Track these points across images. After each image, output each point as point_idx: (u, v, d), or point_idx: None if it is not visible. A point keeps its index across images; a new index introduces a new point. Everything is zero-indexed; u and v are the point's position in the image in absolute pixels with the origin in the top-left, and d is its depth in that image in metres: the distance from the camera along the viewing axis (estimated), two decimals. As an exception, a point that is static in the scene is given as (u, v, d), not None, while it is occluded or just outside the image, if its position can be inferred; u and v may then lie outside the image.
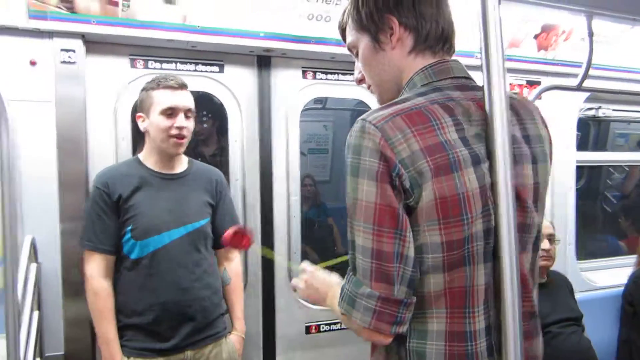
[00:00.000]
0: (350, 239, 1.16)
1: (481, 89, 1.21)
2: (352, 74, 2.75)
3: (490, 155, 1.14)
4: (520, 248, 1.20)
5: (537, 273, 1.29)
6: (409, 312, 1.14)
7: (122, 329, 2.18)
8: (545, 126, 1.33)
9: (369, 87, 1.39)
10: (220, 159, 2.77)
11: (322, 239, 3.25)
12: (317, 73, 2.84)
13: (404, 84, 1.27)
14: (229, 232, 1.86)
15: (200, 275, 2.22)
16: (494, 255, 1.15)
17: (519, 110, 1.26)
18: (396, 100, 1.20)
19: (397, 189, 1.10)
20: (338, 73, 2.87)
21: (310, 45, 2.63)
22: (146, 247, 2.14)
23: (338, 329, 2.95)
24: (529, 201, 1.22)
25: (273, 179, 2.77)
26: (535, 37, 3.10)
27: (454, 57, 1.28)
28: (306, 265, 1.56)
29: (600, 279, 3.55)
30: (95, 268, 2.15)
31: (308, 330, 2.90)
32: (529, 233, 1.24)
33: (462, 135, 1.15)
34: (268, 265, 2.79)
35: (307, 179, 2.92)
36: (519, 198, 1.17)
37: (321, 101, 2.98)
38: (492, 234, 1.14)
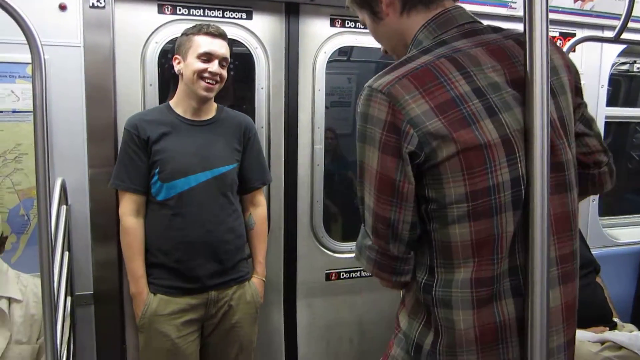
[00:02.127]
0: (360, 195, 1.25)
1: (490, 31, 1.22)
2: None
3: (524, 102, 1.14)
4: (556, 190, 1.21)
5: (577, 212, 1.28)
6: (408, 265, 1.24)
7: (149, 267, 2.29)
8: (561, 54, 1.30)
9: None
10: (246, 107, 2.76)
11: (341, 192, 3.26)
12: (346, 21, 2.77)
13: (409, 44, 1.28)
14: None
15: (225, 219, 2.29)
16: (525, 202, 1.16)
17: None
18: (401, 60, 1.20)
19: (401, 157, 1.13)
20: (367, 21, 2.79)
21: (339, -8, 2.57)
22: (172, 189, 2.21)
23: (357, 277, 3.01)
24: (558, 139, 1.21)
25: (298, 127, 2.77)
26: (573, -14, 2.98)
27: (457, 4, 1.27)
28: None
29: (621, 235, 3.55)
30: (126, 207, 2.24)
31: (328, 277, 2.96)
32: (563, 171, 1.23)
33: (474, 87, 1.14)
34: (291, 213, 2.83)
35: (328, 132, 2.91)
36: None
37: (346, 53, 2.91)
38: (520, 181, 1.15)
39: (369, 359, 3.07)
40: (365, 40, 2.85)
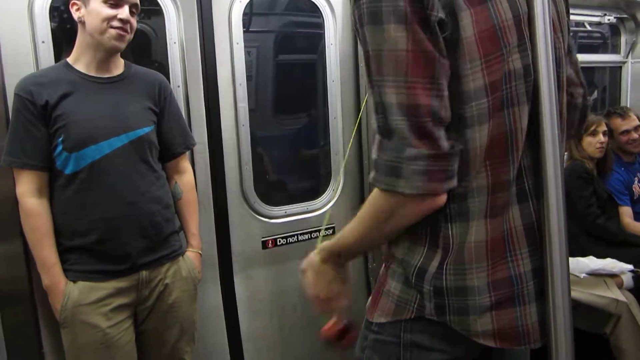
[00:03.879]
0: (377, 100, 1.01)
1: None
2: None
3: None
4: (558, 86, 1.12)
5: (565, 114, 1.24)
6: (456, 162, 1.03)
7: (64, 253, 1.97)
8: None
9: None
10: (158, 65, 2.48)
11: (269, 152, 3.06)
12: (259, -36, 2.57)
13: None
14: (334, 329, 1.65)
15: (148, 188, 2.04)
16: (533, 94, 1.07)
17: None
18: None
19: (430, 28, 0.96)
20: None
21: None
22: (83, 160, 1.91)
23: (294, 242, 2.86)
24: (553, 32, 1.12)
25: (219, 85, 2.54)
26: None
27: None
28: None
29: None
30: (26, 187, 1.91)
31: (264, 245, 2.78)
32: (561, 68, 1.16)
33: None
34: (219, 179, 2.61)
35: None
36: None
37: (244, 24, 2.70)
38: (530, 71, 1.05)
39: (315, 326, 2.92)
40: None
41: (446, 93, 1.00)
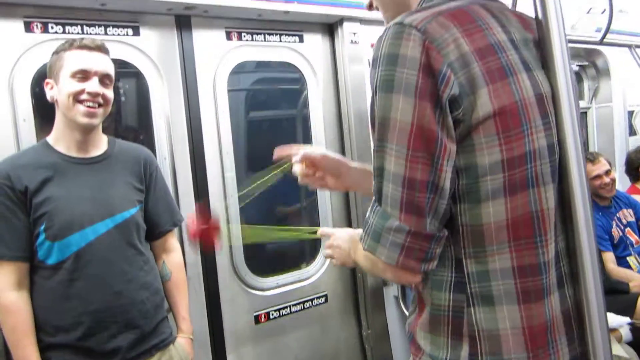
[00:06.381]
0: (378, 164, 1.00)
1: None
2: (278, 33, 2.58)
3: (544, 64, 1.05)
4: None
5: None
6: (439, 246, 1.01)
7: (45, 351, 1.78)
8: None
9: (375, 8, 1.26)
10: (143, 137, 2.38)
11: (259, 221, 2.94)
12: (243, 34, 2.55)
13: None
14: (196, 227, 1.58)
15: (136, 274, 1.89)
16: (560, 174, 1.04)
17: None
18: (426, 5, 1.05)
19: (440, 106, 0.94)
20: (264, 33, 2.60)
21: (234, 1, 2.33)
22: (67, 248, 1.76)
23: (287, 314, 2.73)
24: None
25: (205, 155, 2.46)
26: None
27: None
28: (325, 229, 1.42)
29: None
30: (4, 280, 1.74)
31: (257, 319, 2.64)
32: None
33: (510, 37, 1.03)
34: (208, 254, 2.48)
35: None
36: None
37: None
38: (555, 149, 1.03)
39: (313, 403, 2.78)
40: (264, 54, 2.66)
41: (446, 173, 0.97)
